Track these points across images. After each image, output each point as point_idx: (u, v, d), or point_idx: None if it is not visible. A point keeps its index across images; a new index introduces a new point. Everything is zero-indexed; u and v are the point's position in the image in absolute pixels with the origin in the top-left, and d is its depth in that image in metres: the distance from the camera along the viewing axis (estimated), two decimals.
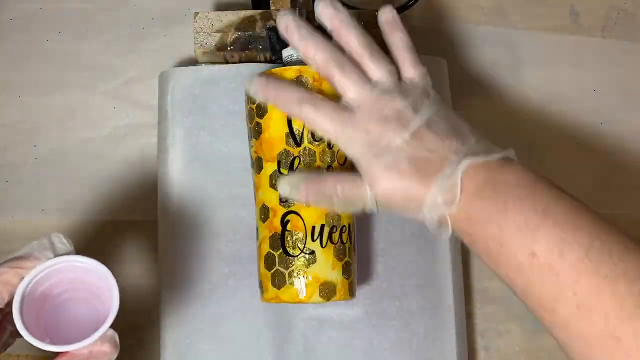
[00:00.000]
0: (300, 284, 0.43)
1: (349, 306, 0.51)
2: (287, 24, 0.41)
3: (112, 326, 0.36)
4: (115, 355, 0.37)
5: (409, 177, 0.38)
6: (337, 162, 0.45)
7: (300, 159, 0.44)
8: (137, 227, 0.55)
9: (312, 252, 0.43)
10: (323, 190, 0.41)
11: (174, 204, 0.52)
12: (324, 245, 0.44)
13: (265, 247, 0.45)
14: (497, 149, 0.40)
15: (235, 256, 0.51)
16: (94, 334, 0.35)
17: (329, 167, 0.44)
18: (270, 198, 0.44)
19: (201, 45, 0.53)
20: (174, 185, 0.52)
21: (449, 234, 0.39)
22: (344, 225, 0.45)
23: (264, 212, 0.45)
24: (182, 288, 0.50)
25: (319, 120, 0.40)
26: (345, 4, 0.58)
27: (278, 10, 0.54)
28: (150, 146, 0.56)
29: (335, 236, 0.44)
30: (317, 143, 0.44)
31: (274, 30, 0.51)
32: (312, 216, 0.44)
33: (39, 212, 0.55)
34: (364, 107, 0.39)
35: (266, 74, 0.43)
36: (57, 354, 0.36)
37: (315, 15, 0.42)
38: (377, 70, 0.40)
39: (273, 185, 0.44)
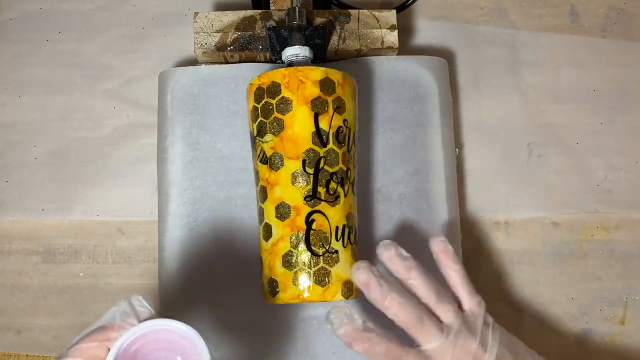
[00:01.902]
0: (326, 283, 0.43)
1: (349, 306, 0.50)
2: (368, 281, 0.43)
3: None
4: None
5: None
6: (353, 165, 0.46)
7: (325, 159, 0.44)
8: (137, 227, 0.55)
9: (336, 252, 0.44)
10: None
11: (173, 203, 0.52)
12: (345, 245, 0.44)
13: (285, 246, 0.44)
14: None
15: (235, 256, 0.51)
16: None
17: (349, 170, 0.45)
18: (293, 196, 0.44)
19: (201, 45, 0.53)
20: (173, 184, 0.52)
21: None
22: (354, 227, 0.46)
23: (283, 210, 0.44)
24: (181, 288, 0.50)
25: None
26: (344, 4, 0.59)
27: (278, 10, 0.54)
28: (150, 146, 0.56)
29: (352, 237, 0.45)
30: (340, 145, 0.45)
31: (274, 30, 0.51)
32: (336, 216, 0.44)
33: (39, 212, 0.55)
34: (441, 355, 0.42)
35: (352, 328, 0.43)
36: None
37: (379, 259, 0.45)
38: (445, 313, 0.43)
39: (297, 183, 0.44)
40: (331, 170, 0.44)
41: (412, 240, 0.52)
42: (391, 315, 0.43)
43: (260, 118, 0.46)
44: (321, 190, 0.44)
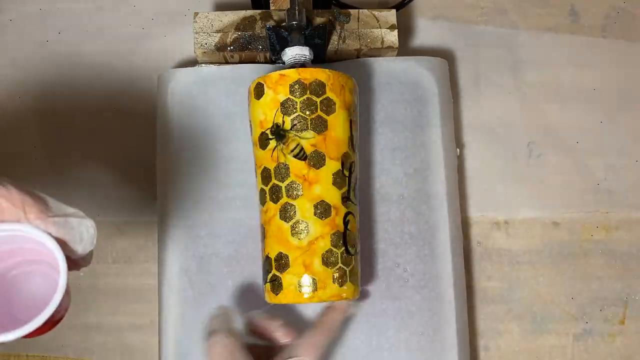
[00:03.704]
0: (356, 281, 0.46)
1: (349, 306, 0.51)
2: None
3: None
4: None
5: None
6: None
7: (354, 164, 0.46)
8: (137, 227, 0.55)
9: (358, 252, 0.46)
10: None
11: (173, 204, 0.52)
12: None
13: (325, 244, 0.44)
14: None
15: (234, 257, 0.51)
16: (37, 319, 0.31)
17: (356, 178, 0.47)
18: (333, 196, 0.45)
19: (201, 45, 0.53)
20: (173, 185, 0.52)
21: None
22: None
23: (324, 209, 0.44)
24: (181, 288, 0.50)
25: None
26: (343, 4, 0.59)
27: (278, 10, 0.54)
28: (150, 146, 0.56)
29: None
30: (355, 152, 0.47)
31: (274, 30, 0.51)
32: (358, 219, 0.47)
33: None
34: None
35: None
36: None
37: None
38: None
39: (336, 183, 0.45)
40: (356, 175, 0.47)
41: (411, 241, 0.52)
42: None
43: (299, 112, 0.45)
44: (352, 193, 0.46)
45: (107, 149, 0.57)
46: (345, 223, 0.45)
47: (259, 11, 0.54)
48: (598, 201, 0.57)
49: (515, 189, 0.57)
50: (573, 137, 0.59)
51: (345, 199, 0.45)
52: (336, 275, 0.44)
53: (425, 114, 0.54)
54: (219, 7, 0.61)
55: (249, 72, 0.53)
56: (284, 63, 0.50)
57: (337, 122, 0.45)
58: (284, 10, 0.53)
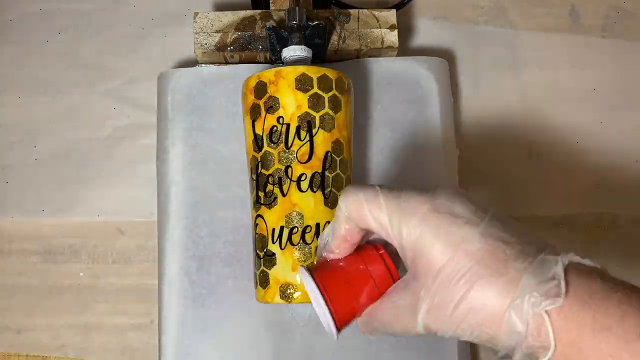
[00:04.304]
0: (266, 285, 0.43)
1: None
2: None
3: None
4: None
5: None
6: (298, 160, 0.44)
7: (262, 163, 0.44)
8: (137, 227, 0.55)
9: (273, 254, 0.43)
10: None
11: (173, 204, 0.52)
12: (283, 247, 0.43)
13: (252, 249, 0.47)
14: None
15: (235, 257, 0.51)
16: None
17: (288, 167, 0.43)
18: (251, 204, 0.47)
19: (201, 45, 0.53)
20: (173, 185, 0.52)
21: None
22: (308, 226, 0.43)
23: (251, 216, 0.47)
24: (181, 288, 0.50)
25: None
26: (343, 4, 0.59)
27: (278, 10, 0.54)
28: (150, 146, 0.56)
29: (296, 237, 0.43)
30: (275, 144, 0.44)
31: (274, 30, 0.51)
32: (272, 218, 0.44)
33: (39, 212, 0.55)
34: None
35: None
36: None
37: None
38: None
39: (250, 190, 0.46)
40: (267, 173, 0.44)
41: None
42: None
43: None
44: (261, 194, 0.45)
45: (106, 149, 0.57)
46: (255, 226, 0.45)
47: (259, 11, 0.54)
48: (598, 201, 0.57)
49: (515, 189, 0.57)
50: (573, 137, 0.59)
51: (254, 202, 0.45)
52: (254, 279, 0.46)
53: (425, 114, 0.54)
54: (219, 7, 0.61)
55: (249, 72, 0.53)
56: (283, 63, 0.50)
57: (244, 131, 0.47)
58: (284, 10, 0.53)
